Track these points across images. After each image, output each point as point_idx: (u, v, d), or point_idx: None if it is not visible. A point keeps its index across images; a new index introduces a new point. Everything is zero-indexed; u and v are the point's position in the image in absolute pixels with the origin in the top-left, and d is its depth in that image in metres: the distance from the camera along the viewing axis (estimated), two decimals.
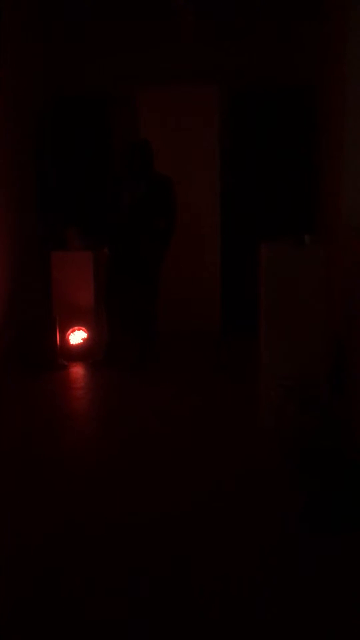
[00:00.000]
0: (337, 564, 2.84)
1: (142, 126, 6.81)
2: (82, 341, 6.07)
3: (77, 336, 6.07)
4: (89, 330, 6.07)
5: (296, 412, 3.89)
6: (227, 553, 2.95)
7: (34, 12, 6.55)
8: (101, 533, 3.13)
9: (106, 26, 6.90)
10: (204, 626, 2.46)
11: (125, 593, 2.65)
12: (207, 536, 3.09)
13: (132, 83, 6.86)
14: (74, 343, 6.06)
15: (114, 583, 2.73)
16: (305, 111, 6.68)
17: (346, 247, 4.84)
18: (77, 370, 5.81)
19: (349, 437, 3.88)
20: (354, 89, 4.93)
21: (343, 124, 5.05)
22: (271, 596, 2.62)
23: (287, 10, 6.64)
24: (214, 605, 2.56)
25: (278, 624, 2.46)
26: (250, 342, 4.94)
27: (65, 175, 7.05)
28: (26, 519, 3.27)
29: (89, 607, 2.58)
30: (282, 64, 6.71)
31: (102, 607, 2.57)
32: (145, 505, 3.39)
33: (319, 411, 3.90)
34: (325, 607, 2.55)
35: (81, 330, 6.06)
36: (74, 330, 6.06)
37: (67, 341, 6.04)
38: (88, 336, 6.07)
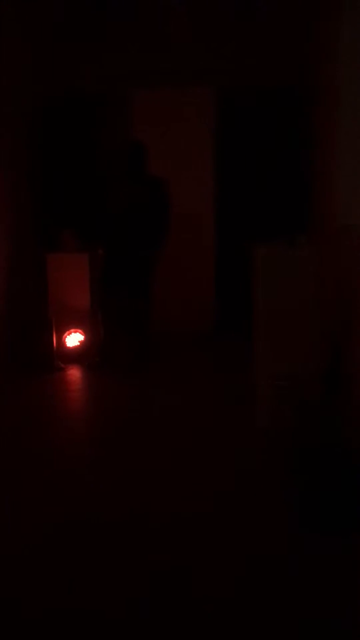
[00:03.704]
0: (333, 563, 2.84)
1: (136, 127, 6.83)
2: (78, 344, 6.07)
3: (73, 339, 6.08)
4: (85, 332, 6.07)
5: (291, 412, 3.90)
6: (223, 552, 2.94)
7: (27, 13, 6.54)
8: (99, 532, 3.13)
9: (99, 28, 6.90)
10: (203, 626, 2.46)
11: (124, 593, 2.66)
12: (204, 536, 3.09)
13: (126, 84, 6.87)
14: (71, 345, 6.07)
15: (112, 583, 2.73)
16: (299, 111, 6.69)
17: (340, 247, 4.85)
18: (74, 373, 5.81)
19: (345, 436, 3.88)
20: (347, 89, 4.93)
21: (336, 123, 5.05)
22: (269, 596, 2.62)
23: (280, 9, 6.64)
24: (212, 605, 2.57)
25: (277, 624, 2.46)
26: (244, 341, 4.95)
27: (60, 177, 7.05)
28: (22, 519, 3.27)
29: (87, 607, 2.59)
30: (276, 64, 6.71)
31: (101, 607, 2.58)
32: (142, 505, 3.39)
33: (314, 410, 3.90)
34: (324, 607, 2.55)
35: (77, 333, 6.07)
36: (70, 333, 6.07)
37: (64, 343, 6.05)
38: (84, 338, 6.07)
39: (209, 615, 2.51)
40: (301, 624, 2.46)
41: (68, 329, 6.06)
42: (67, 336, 6.07)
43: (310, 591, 2.64)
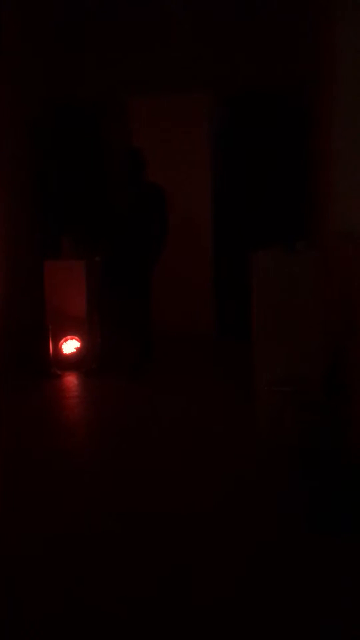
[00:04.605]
0: (337, 565, 2.82)
1: (135, 134, 6.85)
2: (75, 350, 6.05)
3: (70, 345, 6.05)
4: (81, 339, 6.05)
5: (293, 415, 3.88)
6: (226, 555, 2.92)
7: (30, 21, 6.57)
8: (99, 533, 3.11)
9: (98, 35, 6.94)
10: (204, 626, 2.43)
11: (125, 594, 2.63)
12: (207, 538, 3.07)
13: (125, 91, 6.90)
14: (67, 352, 6.04)
15: (113, 584, 2.70)
16: (298, 116, 6.72)
17: (337, 253, 4.85)
18: (71, 379, 5.79)
19: (348, 438, 3.87)
20: (343, 96, 4.95)
21: (333, 129, 5.07)
22: (271, 597, 2.60)
23: (280, 15, 6.66)
24: (214, 606, 2.54)
25: (277, 624, 2.44)
26: (243, 346, 4.95)
27: (59, 183, 7.06)
28: (20, 522, 3.24)
29: (88, 607, 2.56)
30: (275, 70, 6.73)
31: (102, 608, 2.55)
32: (143, 508, 3.37)
33: (317, 413, 3.89)
34: (326, 607, 2.52)
35: (74, 340, 6.05)
36: (66, 340, 6.05)
37: (60, 350, 6.03)
38: (81, 345, 6.05)
39: (209, 616, 2.48)
40: (302, 624, 2.44)
41: (64, 336, 6.04)
42: (64, 343, 6.04)
43: (310, 591, 2.62)
